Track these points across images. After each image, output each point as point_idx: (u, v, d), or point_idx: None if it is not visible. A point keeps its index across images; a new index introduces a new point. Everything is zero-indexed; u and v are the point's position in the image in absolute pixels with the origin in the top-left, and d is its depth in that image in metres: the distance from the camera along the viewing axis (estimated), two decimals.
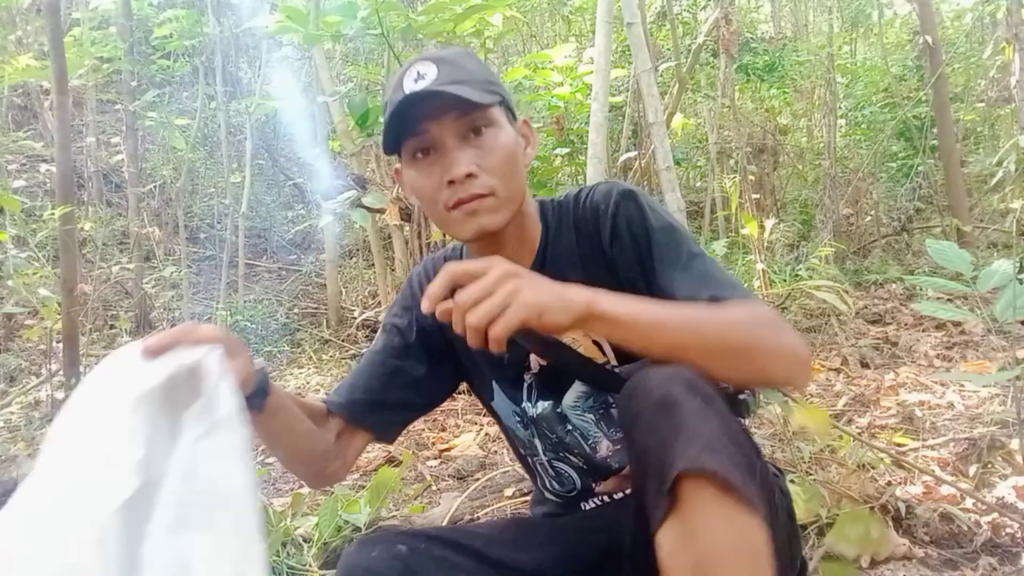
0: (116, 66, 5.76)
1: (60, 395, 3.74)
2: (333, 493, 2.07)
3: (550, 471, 1.23)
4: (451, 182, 0.99)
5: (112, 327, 5.77)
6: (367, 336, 5.55)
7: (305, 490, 2.32)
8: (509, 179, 1.02)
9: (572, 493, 1.21)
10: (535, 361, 1.14)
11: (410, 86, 0.99)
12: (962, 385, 3.12)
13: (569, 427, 1.15)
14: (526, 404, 1.18)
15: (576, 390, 1.12)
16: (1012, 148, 4.92)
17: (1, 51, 5.61)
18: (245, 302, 6.02)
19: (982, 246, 6.01)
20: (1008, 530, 1.88)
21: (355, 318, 5.83)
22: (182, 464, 0.73)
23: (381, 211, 3.54)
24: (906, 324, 4.57)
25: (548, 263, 1.09)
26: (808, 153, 7.95)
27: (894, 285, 5.39)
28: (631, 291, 1.00)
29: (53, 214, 3.78)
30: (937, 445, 2.47)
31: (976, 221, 6.67)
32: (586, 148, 2.91)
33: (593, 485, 1.18)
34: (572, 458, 1.18)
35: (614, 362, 1.09)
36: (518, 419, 1.21)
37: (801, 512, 1.74)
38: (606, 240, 1.06)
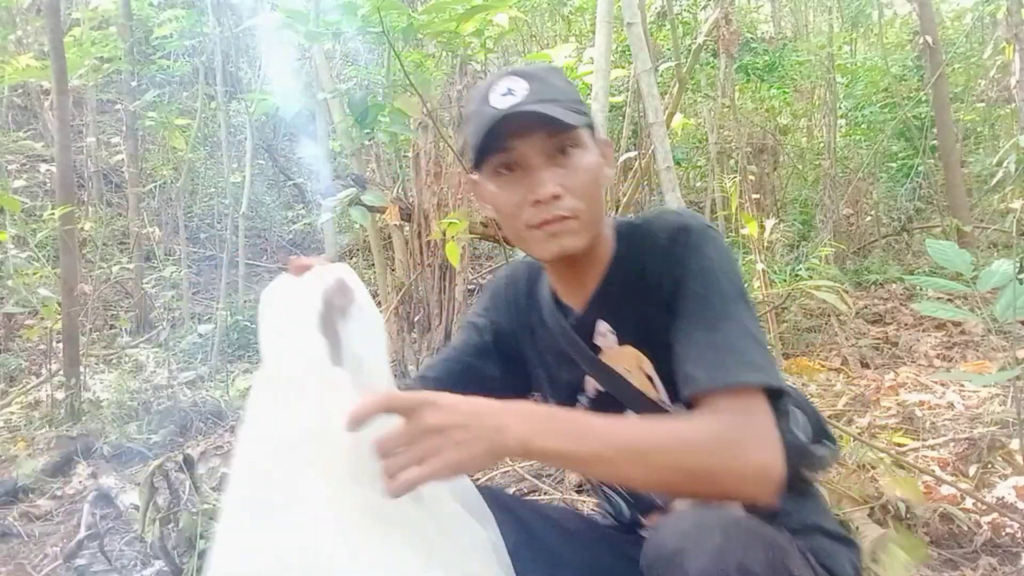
0: (116, 66, 5.76)
1: (60, 395, 3.74)
2: None
3: (602, 494, 1.21)
4: (536, 201, 0.98)
5: (112, 327, 5.77)
6: None
7: None
8: (592, 201, 1.00)
9: (623, 520, 1.19)
10: (592, 385, 1.11)
11: (498, 101, 0.97)
12: (962, 385, 3.12)
13: None
14: None
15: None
16: (1012, 148, 4.92)
17: (1, 51, 5.61)
18: (245, 302, 6.02)
19: (982, 246, 6.01)
20: (1008, 530, 1.88)
21: None
22: (353, 349, 0.94)
23: (381, 211, 3.53)
24: (906, 324, 4.57)
25: (609, 289, 1.07)
26: (808, 153, 7.95)
27: (894, 285, 5.39)
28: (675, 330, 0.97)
29: (53, 214, 3.78)
30: (937, 445, 2.47)
31: (976, 221, 6.67)
32: None
33: (640, 518, 1.15)
34: (617, 496, 1.16)
35: (665, 397, 1.06)
36: None
37: None
38: (654, 275, 1.01)
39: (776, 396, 0.94)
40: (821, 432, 1.13)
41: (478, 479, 2.33)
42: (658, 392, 1.05)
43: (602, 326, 1.07)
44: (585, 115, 1.01)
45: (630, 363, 1.06)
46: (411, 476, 0.78)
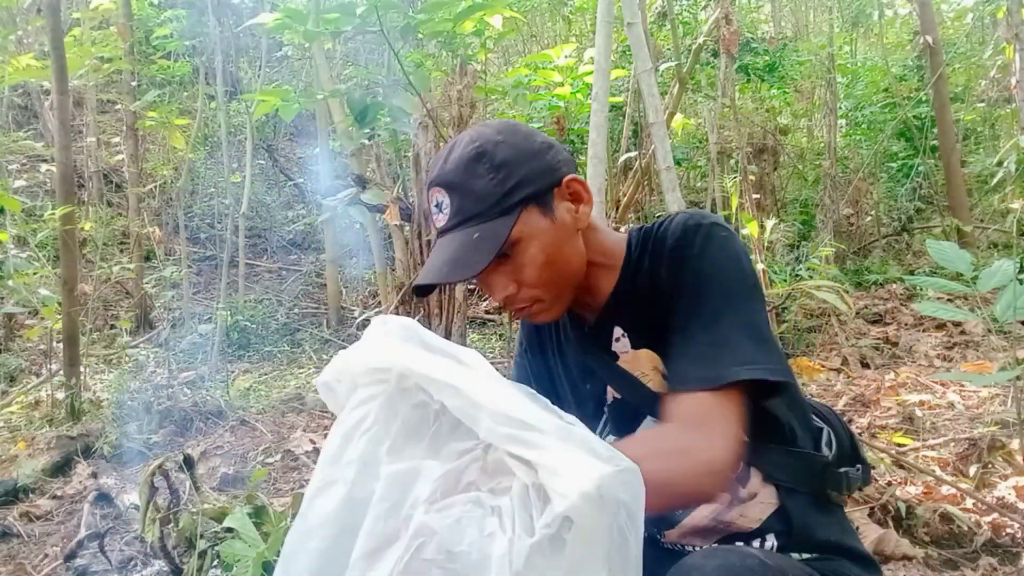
0: (116, 66, 5.75)
1: (60, 395, 3.75)
2: None
3: None
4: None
5: (112, 327, 5.77)
6: None
7: (305, 490, 2.32)
8: (551, 281, 1.02)
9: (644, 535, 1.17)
10: (611, 394, 1.12)
11: (435, 217, 1.02)
12: (962, 385, 3.12)
13: None
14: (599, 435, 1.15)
15: (647, 426, 1.08)
16: (1012, 148, 4.92)
17: (1, 51, 5.60)
18: (245, 302, 6.03)
19: (982, 246, 6.01)
20: (1008, 530, 1.88)
21: (355, 318, 5.83)
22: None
23: (381, 210, 3.53)
24: (906, 324, 4.57)
25: (621, 295, 1.08)
26: (808, 153, 7.95)
27: (894, 285, 5.39)
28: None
29: (53, 214, 3.78)
30: (937, 445, 2.46)
31: (976, 221, 6.67)
32: (586, 148, 2.91)
33: (658, 536, 1.11)
34: None
35: None
36: None
37: None
38: (662, 276, 1.02)
39: (774, 387, 0.95)
40: (853, 453, 1.13)
41: None
42: None
43: (617, 332, 1.09)
44: (519, 199, 0.98)
45: (646, 366, 1.06)
46: None
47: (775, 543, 1.02)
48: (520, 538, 0.74)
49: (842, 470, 1.08)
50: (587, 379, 1.13)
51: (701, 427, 0.90)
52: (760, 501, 1.03)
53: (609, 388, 1.11)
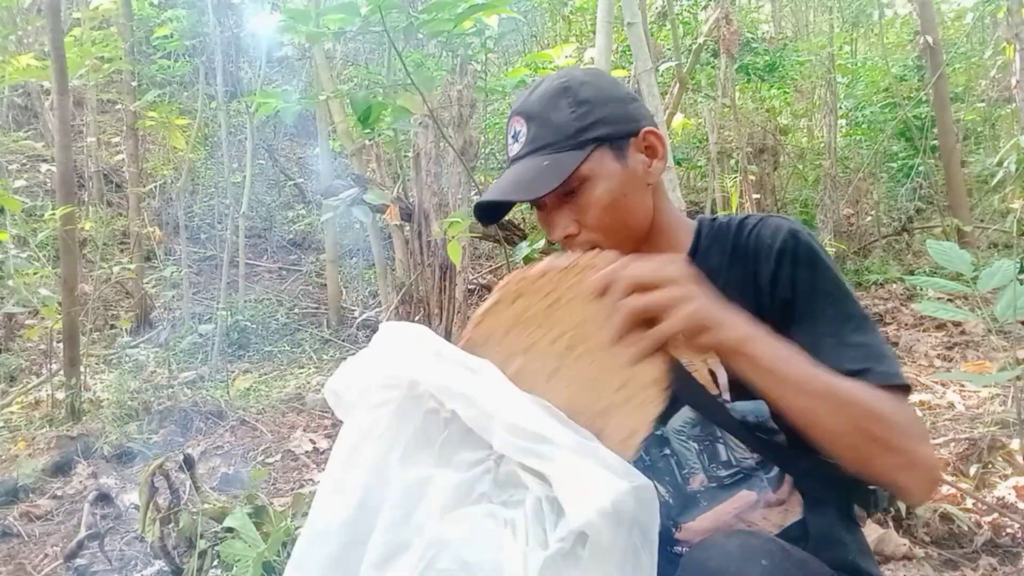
0: (116, 66, 5.75)
1: (60, 395, 3.75)
2: None
3: None
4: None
5: (112, 327, 5.77)
6: (367, 336, 5.55)
7: (306, 490, 2.32)
8: (611, 227, 1.01)
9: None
10: None
11: (509, 146, 1.03)
12: (962, 385, 3.12)
13: (667, 451, 1.09)
14: None
15: (684, 415, 1.06)
16: (1012, 148, 4.92)
17: (1, 51, 5.60)
18: (245, 302, 6.03)
19: (982, 246, 6.01)
20: (1008, 530, 1.88)
21: (355, 318, 5.83)
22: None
23: (382, 210, 3.54)
24: (906, 324, 4.57)
25: None
26: (808, 153, 7.95)
27: (894, 285, 5.39)
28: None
29: (54, 214, 3.78)
30: (937, 445, 2.46)
31: (976, 221, 6.67)
32: None
33: (674, 529, 1.09)
34: (659, 487, 1.10)
35: (727, 396, 1.03)
36: None
37: None
38: (764, 278, 0.99)
39: None
40: None
41: None
42: (719, 390, 1.03)
43: None
44: (592, 139, 0.99)
45: (704, 357, 1.04)
46: (670, 323, 0.81)
47: None
48: (534, 551, 0.74)
49: (872, 487, 1.06)
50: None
51: (920, 425, 0.91)
52: (785, 508, 1.02)
53: None
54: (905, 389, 0.91)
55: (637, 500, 0.76)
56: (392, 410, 0.87)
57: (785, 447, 0.99)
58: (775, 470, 1.02)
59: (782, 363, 0.85)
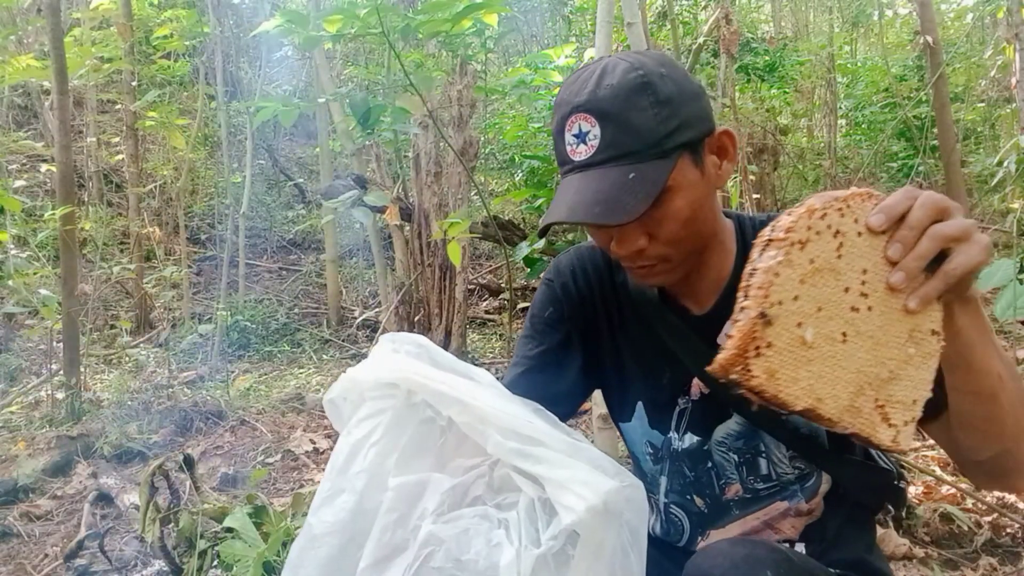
0: (116, 66, 5.75)
1: (60, 395, 3.75)
2: None
3: (663, 514, 1.11)
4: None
5: (112, 327, 5.77)
6: (367, 336, 5.55)
7: (306, 490, 2.32)
8: (687, 239, 0.91)
9: (678, 543, 1.10)
10: (697, 388, 1.03)
11: (572, 148, 0.88)
12: None
13: (709, 464, 1.05)
14: (673, 435, 1.06)
15: (728, 426, 1.02)
16: (1012, 148, 4.91)
17: (1, 51, 5.60)
18: (245, 302, 6.02)
19: None
20: (1008, 530, 1.88)
21: (355, 318, 5.83)
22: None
23: (382, 211, 3.54)
24: None
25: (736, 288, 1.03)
26: (809, 153, 7.95)
27: None
28: None
29: (54, 214, 3.78)
30: (937, 445, 2.46)
31: (976, 221, 6.65)
32: None
33: (700, 539, 1.08)
34: (696, 501, 1.07)
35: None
36: (650, 451, 1.09)
37: None
38: None
39: None
40: (899, 471, 1.11)
41: None
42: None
43: (728, 325, 1.05)
44: (677, 144, 0.87)
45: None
46: (970, 258, 0.71)
47: (803, 551, 1.01)
48: (527, 549, 0.76)
49: (901, 484, 1.06)
50: (667, 366, 1.04)
51: None
52: (812, 516, 1.02)
53: (696, 381, 1.03)
54: None
55: (627, 499, 0.77)
56: (389, 417, 0.88)
57: (832, 452, 0.98)
58: (811, 482, 1.01)
59: (988, 336, 0.79)
